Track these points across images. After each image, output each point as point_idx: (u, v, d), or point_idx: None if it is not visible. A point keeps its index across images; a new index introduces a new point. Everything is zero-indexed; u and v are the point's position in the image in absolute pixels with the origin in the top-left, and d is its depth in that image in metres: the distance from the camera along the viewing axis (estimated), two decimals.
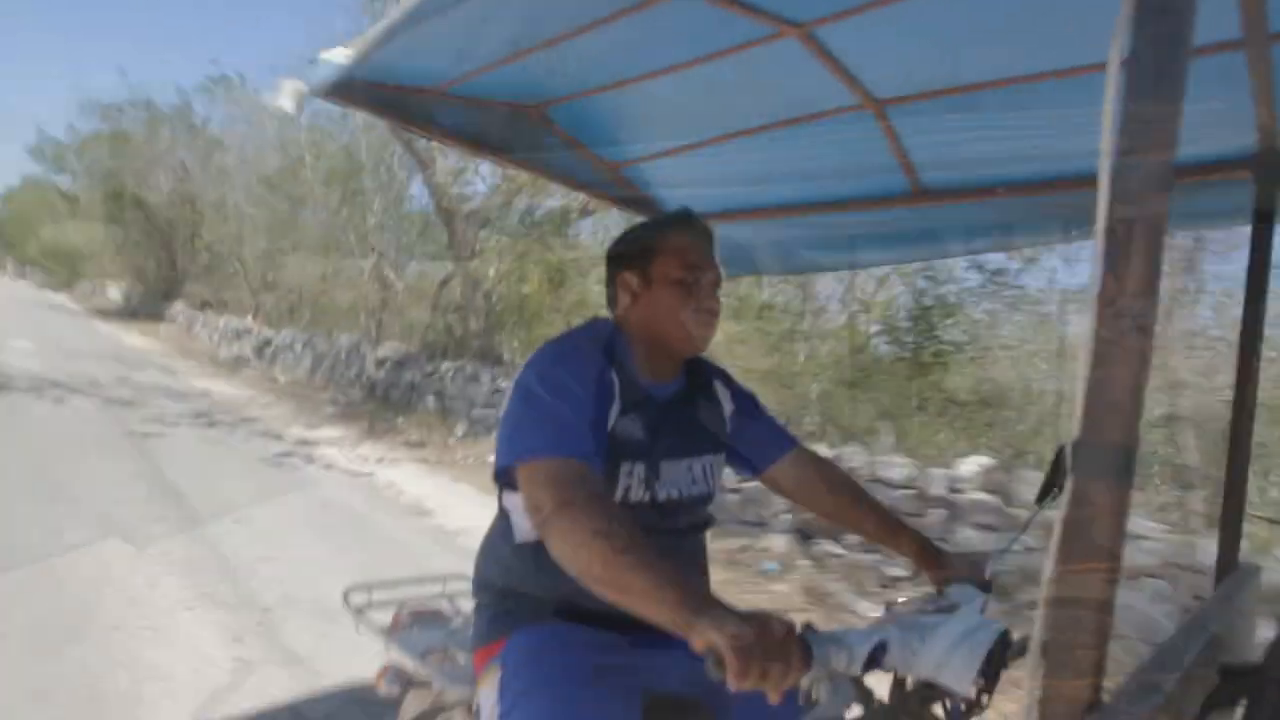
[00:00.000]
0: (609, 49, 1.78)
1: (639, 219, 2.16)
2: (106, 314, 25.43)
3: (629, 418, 1.50)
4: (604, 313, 1.66)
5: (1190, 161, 1.72)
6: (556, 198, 10.64)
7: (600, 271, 1.72)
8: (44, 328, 19.83)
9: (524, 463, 1.33)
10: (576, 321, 1.76)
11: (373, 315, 13.02)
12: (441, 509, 6.62)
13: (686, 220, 1.62)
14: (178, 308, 21.46)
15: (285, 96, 1.64)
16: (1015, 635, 1.31)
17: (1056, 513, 0.79)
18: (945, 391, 7.65)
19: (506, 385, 7.74)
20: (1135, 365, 0.76)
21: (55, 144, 30.71)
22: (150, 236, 23.16)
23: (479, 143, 2.10)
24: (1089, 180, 1.76)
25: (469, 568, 1.67)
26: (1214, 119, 1.48)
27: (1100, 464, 0.77)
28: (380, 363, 11.86)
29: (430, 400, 10.52)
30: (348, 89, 1.58)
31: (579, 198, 9.85)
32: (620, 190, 2.43)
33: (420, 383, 10.89)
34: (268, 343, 15.61)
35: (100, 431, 8.43)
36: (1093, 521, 0.77)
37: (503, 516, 1.59)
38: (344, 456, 8.57)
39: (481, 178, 11.32)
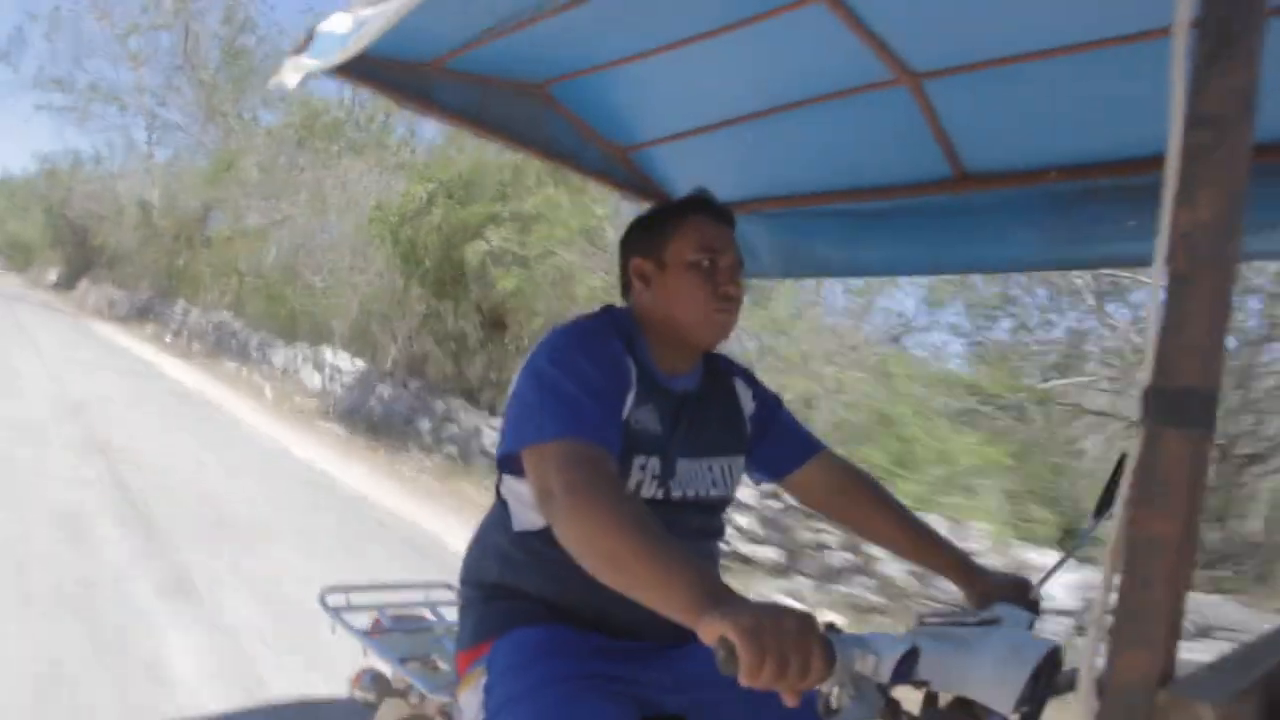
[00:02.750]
0: (617, 21, 1.78)
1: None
2: (38, 285, 39.88)
3: (645, 408, 1.49)
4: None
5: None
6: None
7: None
8: None
9: (532, 445, 1.32)
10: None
11: (158, 281, 26.34)
12: (113, 337, 20.68)
13: (703, 202, 1.62)
14: (83, 284, 34.85)
15: (288, 73, 1.65)
16: (1067, 665, 1.27)
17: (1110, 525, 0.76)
18: None
19: (173, 309, 23.85)
20: (1215, 302, 0.74)
21: (9, 179, 50.84)
22: (72, 237, 36.94)
23: (479, 122, 2.11)
24: (1150, 161, 1.74)
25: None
26: None
27: (1177, 410, 0.75)
28: (146, 300, 26.00)
29: (152, 315, 24.58)
30: (348, 65, 1.59)
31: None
32: (628, 176, 2.43)
33: (153, 310, 24.90)
34: (114, 299, 29.23)
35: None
36: (1168, 473, 0.74)
37: (500, 505, 1.58)
38: (95, 327, 22.52)
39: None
